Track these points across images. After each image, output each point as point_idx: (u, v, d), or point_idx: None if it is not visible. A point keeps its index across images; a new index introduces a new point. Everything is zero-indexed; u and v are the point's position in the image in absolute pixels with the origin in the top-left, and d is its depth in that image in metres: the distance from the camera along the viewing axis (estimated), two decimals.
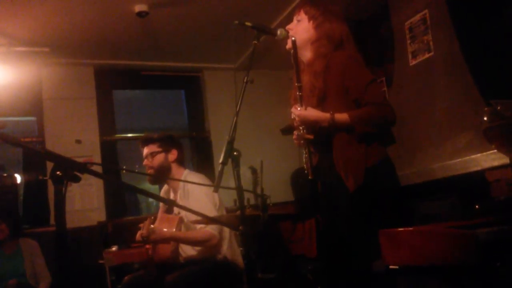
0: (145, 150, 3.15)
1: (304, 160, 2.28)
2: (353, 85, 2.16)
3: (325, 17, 2.29)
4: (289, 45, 2.28)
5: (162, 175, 3.11)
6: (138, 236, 2.83)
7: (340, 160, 2.16)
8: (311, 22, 2.30)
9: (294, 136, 2.30)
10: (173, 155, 3.13)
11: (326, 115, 2.14)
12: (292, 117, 2.25)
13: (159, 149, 3.12)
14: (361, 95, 2.14)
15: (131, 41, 4.90)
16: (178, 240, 2.89)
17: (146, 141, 3.17)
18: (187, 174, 3.12)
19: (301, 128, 2.22)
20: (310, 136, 2.20)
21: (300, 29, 2.29)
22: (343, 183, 2.13)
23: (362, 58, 2.27)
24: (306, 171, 2.27)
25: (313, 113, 2.17)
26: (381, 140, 2.19)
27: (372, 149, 2.15)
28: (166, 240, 2.84)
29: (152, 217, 2.88)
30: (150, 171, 3.11)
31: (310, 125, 2.19)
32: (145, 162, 3.13)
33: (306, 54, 2.30)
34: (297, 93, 2.18)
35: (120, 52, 5.16)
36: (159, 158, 3.10)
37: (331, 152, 2.20)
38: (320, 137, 2.22)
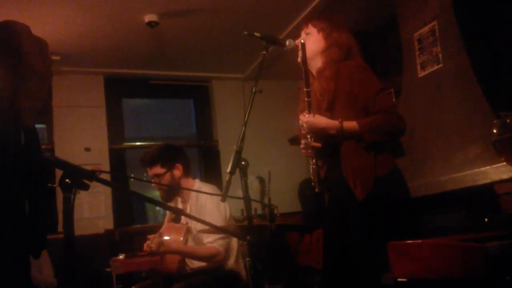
0: (149, 171, 3.01)
1: (311, 171, 2.26)
2: (362, 93, 2.16)
3: (333, 27, 2.32)
4: (300, 57, 2.30)
5: (171, 195, 3.08)
6: (145, 246, 2.83)
7: (349, 168, 2.14)
8: (321, 33, 2.32)
9: (302, 145, 2.28)
10: (178, 170, 2.99)
11: (335, 123, 2.12)
12: (300, 123, 2.23)
13: (163, 170, 2.96)
14: (370, 103, 2.13)
15: (141, 51, 4.94)
16: (184, 255, 2.91)
17: (147, 163, 2.99)
18: (200, 186, 3.07)
19: (308, 136, 2.21)
20: (318, 145, 2.19)
21: (311, 41, 2.30)
22: (352, 193, 2.11)
23: (370, 67, 2.28)
24: (313, 184, 2.26)
25: (321, 120, 2.15)
26: (390, 150, 2.17)
27: (381, 159, 2.12)
28: (173, 253, 2.85)
29: (161, 232, 2.89)
30: (160, 191, 3.02)
31: (318, 133, 2.18)
32: (153, 184, 2.99)
33: (317, 64, 2.31)
34: (306, 98, 2.16)
35: (130, 61, 5.21)
36: (166, 179, 2.96)
37: (339, 162, 2.18)
38: (328, 145, 2.20)
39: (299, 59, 2.31)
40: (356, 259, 2.12)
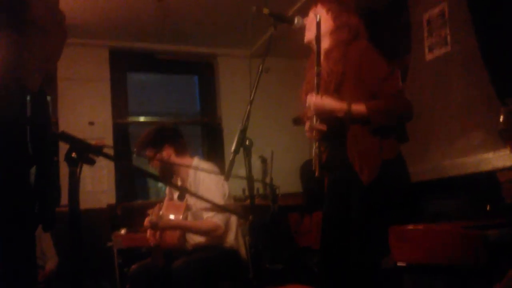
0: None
1: (313, 155, 2.24)
2: (371, 76, 2.14)
3: (342, 9, 2.30)
4: (307, 38, 2.28)
5: (168, 174, 3.11)
6: (146, 222, 2.86)
7: (355, 152, 2.13)
8: (329, 13, 2.29)
9: (306, 127, 2.26)
10: (167, 151, 3.06)
11: (343, 105, 2.09)
12: (307, 104, 2.20)
13: (152, 153, 3.05)
14: (378, 87, 2.12)
15: (147, 24, 4.89)
16: (184, 229, 2.94)
17: (140, 149, 3.12)
18: (198, 164, 3.09)
19: (314, 118, 2.19)
20: (323, 127, 2.16)
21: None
22: (356, 176, 2.10)
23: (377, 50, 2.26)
24: (313, 168, 2.24)
25: (329, 102, 2.12)
26: (396, 135, 2.17)
27: (387, 143, 2.12)
28: (173, 228, 2.88)
29: (161, 204, 2.92)
30: (158, 172, 3.09)
31: (325, 115, 2.15)
32: (150, 165, 3.13)
33: (324, 45, 2.28)
34: (316, 78, 2.13)
35: (136, 35, 5.16)
36: (156, 162, 3.06)
37: (344, 145, 2.17)
38: (333, 128, 2.17)
39: (306, 40, 2.30)
40: (357, 241, 2.11)
